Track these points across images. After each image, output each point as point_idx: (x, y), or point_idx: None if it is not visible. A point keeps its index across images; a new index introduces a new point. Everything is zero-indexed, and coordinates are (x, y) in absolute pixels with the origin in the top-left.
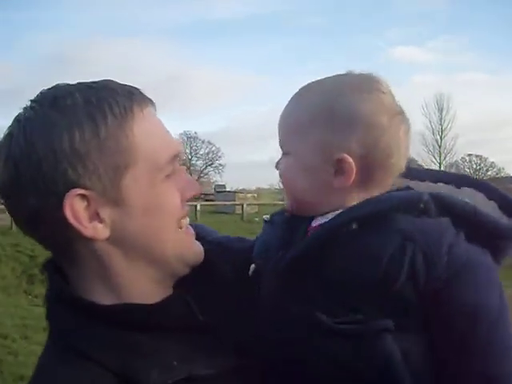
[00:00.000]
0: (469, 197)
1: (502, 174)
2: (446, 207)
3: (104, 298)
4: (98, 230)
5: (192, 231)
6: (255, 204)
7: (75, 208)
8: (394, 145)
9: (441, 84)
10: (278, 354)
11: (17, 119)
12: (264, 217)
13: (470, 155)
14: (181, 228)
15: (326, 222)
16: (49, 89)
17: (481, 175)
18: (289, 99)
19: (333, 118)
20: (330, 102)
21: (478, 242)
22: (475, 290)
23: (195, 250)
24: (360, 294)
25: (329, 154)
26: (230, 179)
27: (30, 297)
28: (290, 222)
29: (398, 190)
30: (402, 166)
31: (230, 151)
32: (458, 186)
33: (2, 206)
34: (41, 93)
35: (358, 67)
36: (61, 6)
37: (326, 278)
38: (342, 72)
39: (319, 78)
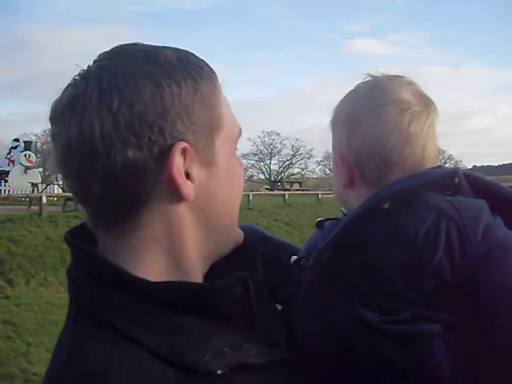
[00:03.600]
0: None
1: (460, 166)
2: (480, 188)
3: (154, 273)
4: (190, 189)
5: None
6: None
7: (178, 162)
8: (379, 135)
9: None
10: (318, 351)
11: (100, 66)
12: (317, 220)
13: None
14: None
15: (358, 206)
16: (130, 45)
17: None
18: None
19: (333, 122)
20: (332, 110)
21: None
22: None
23: (240, 232)
24: (401, 277)
25: (333, 157)
26: None
27: None
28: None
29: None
30: (416, 156)
31: None
32: None
33: None
34: (123, 49)
35: (319, 59)
36: None
37: (367, 264)
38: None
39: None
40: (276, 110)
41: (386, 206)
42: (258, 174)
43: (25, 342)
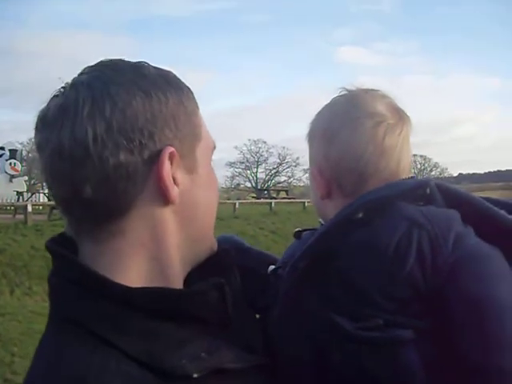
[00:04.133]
0: None
1: (446, 175)
2: (452, 198)
3: (136, 278)
4: (176, 194)
5: None
6: None
7: (167, 166)
8: (355, 149)
9: (387, 86)
10: (294, 358)
11: (99, 80)
12: (295, 230)
13: (414, 155)
14: None
15: (333, 217)
16: (116, 60)
17: (424, 175)
18: None
19: (310, 136)
20: (309, 123)
21: (487, 239)
22: (484, 280)
23: (215, 241)
24: (373, 286)
25: (311, 169)
26: None
27: None
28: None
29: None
30: (391, 169)
31: None
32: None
33: None
34: (111, 63)
35: (305, 66)
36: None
37: (342, 272)
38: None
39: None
40: (262, 118)
41: (360, 215)
42: (245, 182)
43: (9, 352)
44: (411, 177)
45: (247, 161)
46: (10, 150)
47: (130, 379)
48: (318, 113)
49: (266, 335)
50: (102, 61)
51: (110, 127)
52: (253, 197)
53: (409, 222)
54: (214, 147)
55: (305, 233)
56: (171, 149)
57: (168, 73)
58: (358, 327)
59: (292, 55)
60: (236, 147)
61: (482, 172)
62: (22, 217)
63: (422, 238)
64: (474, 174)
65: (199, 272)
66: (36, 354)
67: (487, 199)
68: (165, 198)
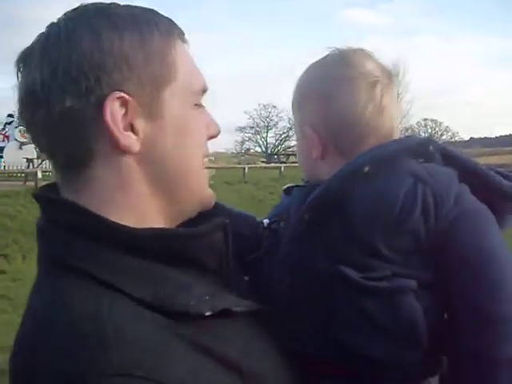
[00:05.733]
0: None
1: (457, 138)
2: (449, 158)
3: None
4: (132, 141)
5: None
6: (212, 167)
7: (114, 112)
8: (355, 109)
9: (396, 47)
10: (294, 303)
11: (53, 23)
12: (283, 188)
13: (425, 119)
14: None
15: (338, 170)
16: (87, 3)
17: (436, 139)
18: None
19: (299, 97)
20: (298, 86)
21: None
22: (482, 233)
23: (210, 193)
24: (381, 236)
25: (301, 130)
26: None
27: None
28: (310, 187)
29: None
30: (387, 127)
31: None
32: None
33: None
34: (79, 6)
35: (310, 29)
36: None
37: (348, 224)
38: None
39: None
40: (271, 82)
41: (366, 169)
42: (255, 147)
43: (21, 315)
44: (409, 135)
45: (257, 125)
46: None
47: (143, 320)
48: (307, 73)
49: (256, 286)
50: (80, 5)
51: (56, 72)
52: (262, 161)
53: (414, 177)
54: (204, 89)
55: (296, 188)
56: (119, 93)
57: (144, 12)
58: (364, 277)
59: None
60: (246, 112)
61: (493, 136)
62: (32, 183)
63: (427, 193)
64: (485, 138)
65: (193, 225)
66: (30, 302)
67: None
68: (121, 147)
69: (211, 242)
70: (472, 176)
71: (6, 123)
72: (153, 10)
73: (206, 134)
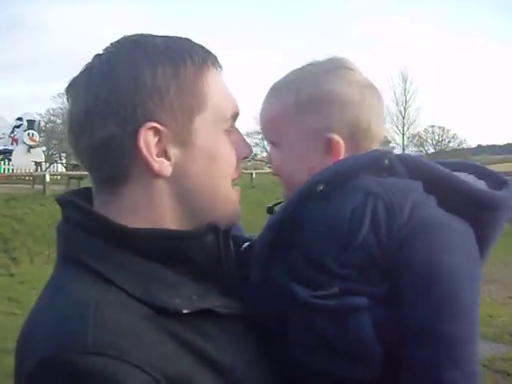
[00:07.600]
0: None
1: (464, 146)
2: (414, 169)
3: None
4: (164, 167)
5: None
6: None
7: (148, 140)
8: (371, 115)
9: (405, 55)
10: (264, 326)
11: (97, 55)
12: (266, 208)
13: (432, 126)
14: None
15: (296, 189)
16: (129, 35)
17: (443, 146)
18: (265, 94)
19: (312, 103)
20: (305, 90)
21: (456, 212)
22: (435, 248)
23: (237, 212)
24: (330, 254)
25: (316, 137)
26: None
27: None
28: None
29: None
30: (381, 134)
31: None
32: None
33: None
34: (122, 38)
35: (323, 39)
36: None
37: (304, 244)
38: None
39: (289, 71)
40: None
41: (321, 187)
42: (262, 152)
43: None
44: (375, 149)
45: None
46: (27, 121)
47: (127, 309)
48: (310, 77)
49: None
50: (122, 37)
51: (97, 102)
52: (270, 167)
53: (364, 192)
54: (236, 115)
55: (277, 206)
56: (153, 124)
57: (179, 43)
58: (314, 296)
59: (311, 26)
60: (254, 117)
61: (502, 144)
62: (40, 187)
63: (378, 207)
64: (493, 145)
65: None
66: (42, 292)
67: (468, 165)
68: (154, 171)
69: (203, 244)
70: (443, 184)
71: (15, 126)
72: (187, 39)
73: (235, 157)
